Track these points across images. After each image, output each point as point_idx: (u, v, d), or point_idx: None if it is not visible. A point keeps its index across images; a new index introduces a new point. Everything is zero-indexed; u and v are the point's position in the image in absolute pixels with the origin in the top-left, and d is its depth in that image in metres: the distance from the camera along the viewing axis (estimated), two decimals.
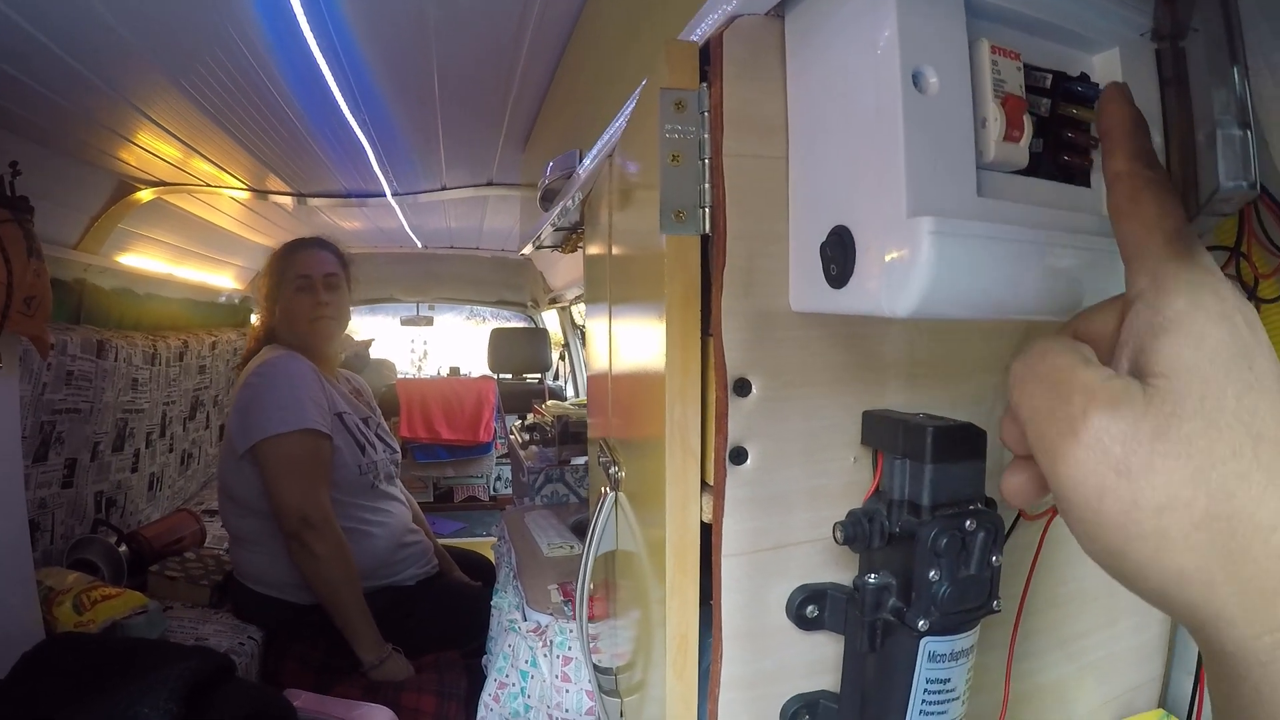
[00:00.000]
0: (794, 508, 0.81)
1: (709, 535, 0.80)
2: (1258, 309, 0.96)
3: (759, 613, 0.81)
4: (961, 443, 0.71)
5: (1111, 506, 0.38)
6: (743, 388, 0.76)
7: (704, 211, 0.77)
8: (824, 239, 0.69)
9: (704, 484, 0.82)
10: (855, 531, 0.73)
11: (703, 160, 0.77)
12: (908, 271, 0.58)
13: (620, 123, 1.08)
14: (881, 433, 0.77)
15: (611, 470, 1.10)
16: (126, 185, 3.01)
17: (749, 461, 0.78)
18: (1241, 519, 0.36)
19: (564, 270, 4.38)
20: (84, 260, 3.02)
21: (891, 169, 0.60)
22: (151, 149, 2.61)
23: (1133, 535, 0.38)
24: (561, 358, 6.73)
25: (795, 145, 0.76)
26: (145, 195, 3.05)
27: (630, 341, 1.01)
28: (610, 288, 1.16)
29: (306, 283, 2.59)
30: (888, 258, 0.60)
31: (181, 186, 3.11)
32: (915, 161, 0.59)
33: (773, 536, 0.80)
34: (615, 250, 1.13)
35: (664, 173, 0.77)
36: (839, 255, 0.66)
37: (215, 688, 1.57)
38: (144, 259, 3.50)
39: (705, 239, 0.79)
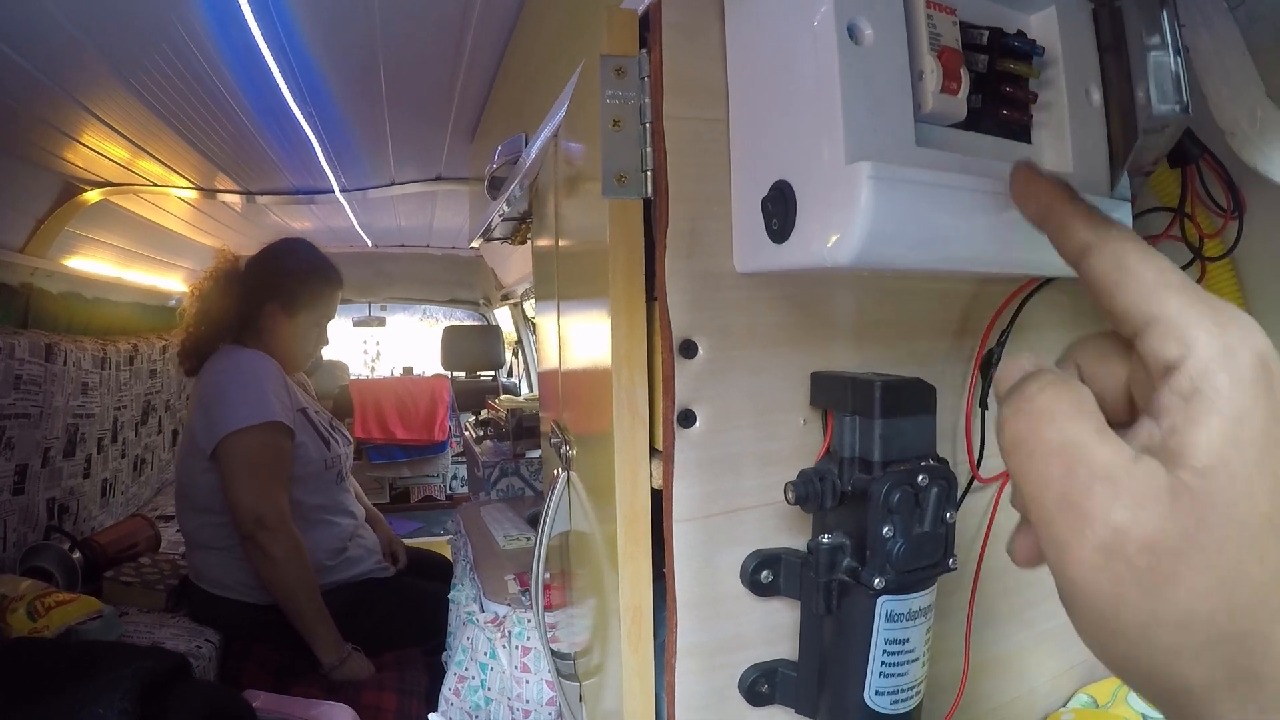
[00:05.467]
0: (745, 471, 0.80)
1: (660, 503, 0.79)
2: (1203, 269, 0.96)
3: (713, 580, 0.80)
4: (911, 397, 0.70)
5: (1128, 619, 0.35)
6: (689, 349, 0.76)
7: (646, 175, 0.77)
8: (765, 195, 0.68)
9: (653, 451, 0.81)
10: (807, 491, 0.73)
11: (644, 125, 0.77)
12: (847, 219, 0.58)
13: (564, 102, 1.07)
14: (830, 392, 0.77)
15: (563, 450, 1.09)
16: (73, 187, 2.96)
17: (697, 424, 0.77)
18: (1256, 637, 0.33)
19: (515, 266, 4.37)
20: (30, 264, 2.96)
21: (829, 119, 0.60)
22: (99, 149, 2.56)
23: (1146, 648, 0.35)
24: (515, 354, 6.70)
25: (735, 105, 0.75)
26: (92, 196, 3.00)
27: (578, 319, 1.00)
28: (558, 281, 1.15)
29: (324, 322, 2.59)
30: (827, 207, 0.60)
31: (129, 187, 3.06)
32: (852, 111, 0.59)
33: (724, 501, 0.79)
34: (562, 241, 1.12)
35: (605, 138, 0.76)
36: (780, 210, 0.66)
37: (171, 687, 1.54)
38: (92, 262, 3.45)
39: (648, 203, 0.79)
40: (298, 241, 2.67)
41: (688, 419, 0.77)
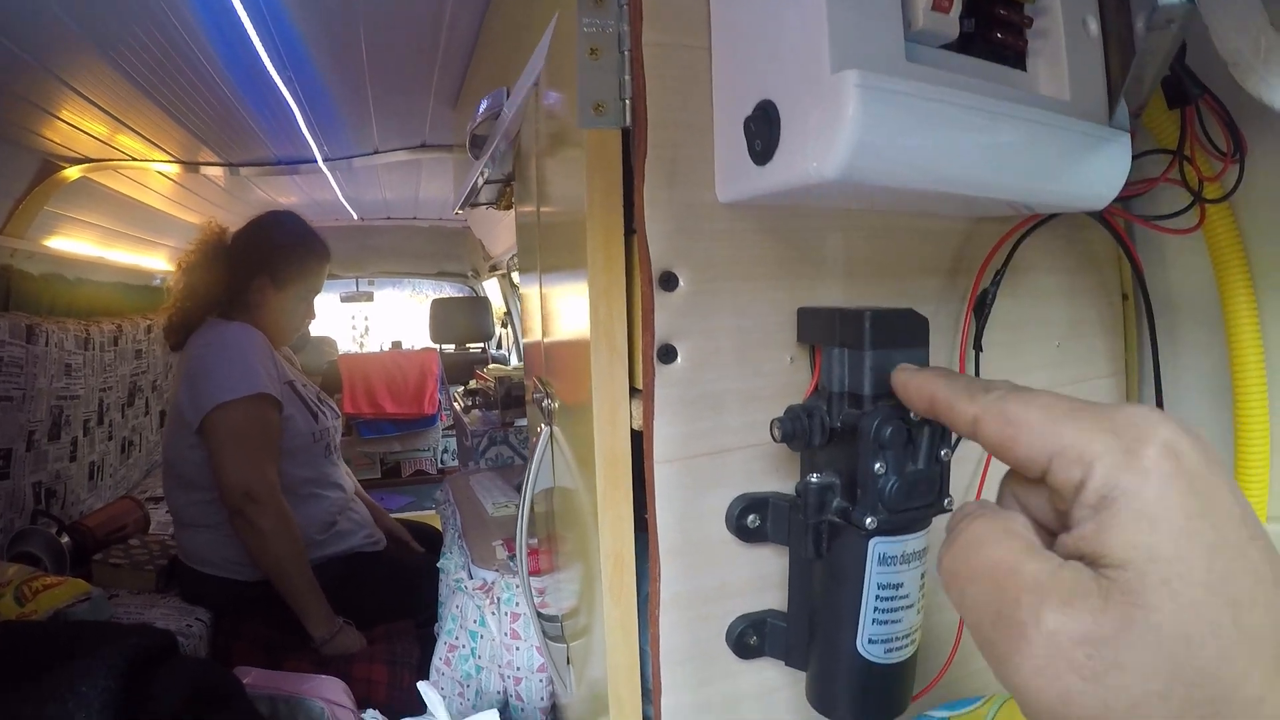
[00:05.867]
0: (729, 410, 0.77)
1: (641, 446, 0.76)
2: (1202, 212, 0.94)
3: (697, 525, 0.77)
4: (902, 329, 0.67)
5: (1080, 713, 0.34)
6: (669, 281, 0.73)
7: (625, 104, 0.74)
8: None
9: (634, 390, 0.78)
10: (794, 428, 0.69)
11: (622, 53, 0.75)
12: (833, 130, 0.55)
13: (544, 48, 1.04)
14: (818, 326, 0.74)
15: (545, 404, 1.06)
16: (51, 164, 2.90)
17: (679, 360, 0.74)
18: (1226, 700, 0.32)
19: (502, 236, 4.34)
20: (10, 245, 2.92)
21: (815, 28, 0.57)
22: (77, 124, 2.51)
23: None
24: (504, 325, 6.67)
25: (718, 26, 0.73)
26: (72, 174, 2.95)
27: (559, 277, 0.97)
28: (539, 243, 1.12)
29: (312, 295, 2.55)
30: (812, 120, 0.57)
31: (109, 163, 3.00)
32: (839, 19, 0.57)
33: (707, 441, 0.76)
34: (543, 206, 1.09)
35: (582, 67, 0.74)
36: (763, 129, 0.63)
37: (158, 665, 1.52)
38: (73, 242, 3.40)
39: (627, 137, 0.76)
40: (286, 214, 2.63)
41: (668, 354, 0.74)
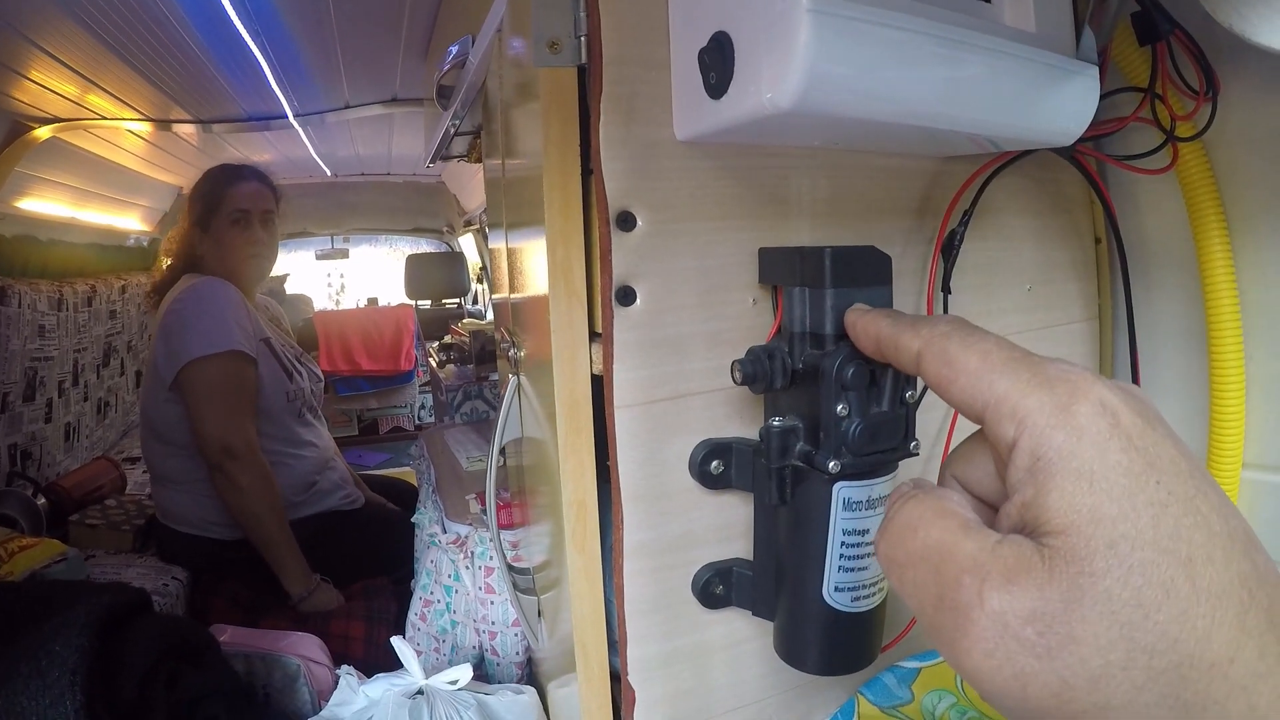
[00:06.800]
0: (690, 354, 0.76)
1: (602, 390, 0.75)
2: (1174, 151, 0.92)
3: (660, 471, 0.76)
4: (864, 267, 0.66)
5: (1039, 692, 0.32)
6: (626, 221, 0.71)
7: (580, 41, 0.72)
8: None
9: (593, 335, 0.77)
10: (755, 370, 0.68)
11: None
12: (786, 58, 0.54)
13: None
14: (778, 265, 0.73)
15: (511, 353, 1.05)
16: (20, 125, 2.86)
17: (638, 302, 0.72)
18: (1191, 665, 0.30)
19: (476, 191, 4.33)
20: None
21: None
22: (46, 84, 2.48)
23: (1071, 713, 0.32)
24: (479, 280, 6.64)
25: None
26: (42, 134, 2.91)
27: (521, 233, 0.95)
28: (505, 197, 1.10)
29: (244, 217, 2.47)
30: (766, 50, 0.55)
31: (79, 122, 2.97)
32: None
33: (669, 385, 0.75)
34: (509, 159, 1.06)
35: (536, 4, 0.72)
36: (717, 61, 0.61)
37: (131, 622, 1.51)
38: (45, 203, 3.36)
39: (584, 76, 0.73)
40: (215, 166, 2.60)
41: (627, 296, 0.72)
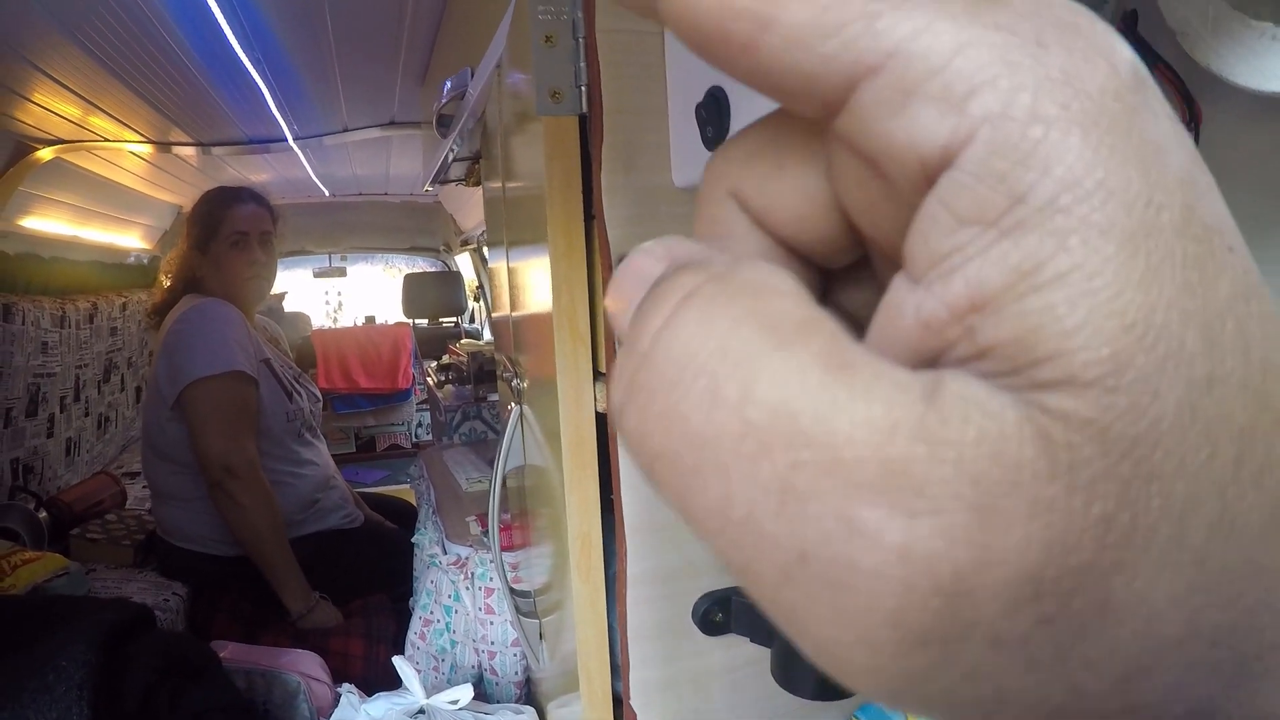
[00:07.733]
0: None
1: (606, 427, 0.77)
2: None
3: (662, 505, 0.78)
4: None
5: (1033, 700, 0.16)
6: None
7: (581, 90, 0.75)
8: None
9: (598, 373, 0.79)
10: None
11: (577, 39, 0.75)
12: None
13: (505, 28, 1.04)
14: None
15: (514, 383, 1.07)
16: (24, 146, 2.87)
17: None
18: (1263, 610, 0.15)
19: (474, 211, 4.33)
20: None
21: None
22: (49, 106, 2.50)
23: None
24: (477, 299, 6.64)
25: None
26: (45, 155, 2.92)
27: (524, 255, 0.97)
28: (506, 221, 1.12)
29: (243, 239, 2.47)
30: (760, 107, 0.57)
31: (81, 144, 2.99)
32: None
33: None
34: (509, 181, 1.09)
35: (538, 54, 0.74)
36: (713, 115, 0.64)
37: (134, 638, 1.53)
38: (48, 222, 3.37)
39: (585, 124, 0.76)
40: (213, 189, 2.60)
41: None
